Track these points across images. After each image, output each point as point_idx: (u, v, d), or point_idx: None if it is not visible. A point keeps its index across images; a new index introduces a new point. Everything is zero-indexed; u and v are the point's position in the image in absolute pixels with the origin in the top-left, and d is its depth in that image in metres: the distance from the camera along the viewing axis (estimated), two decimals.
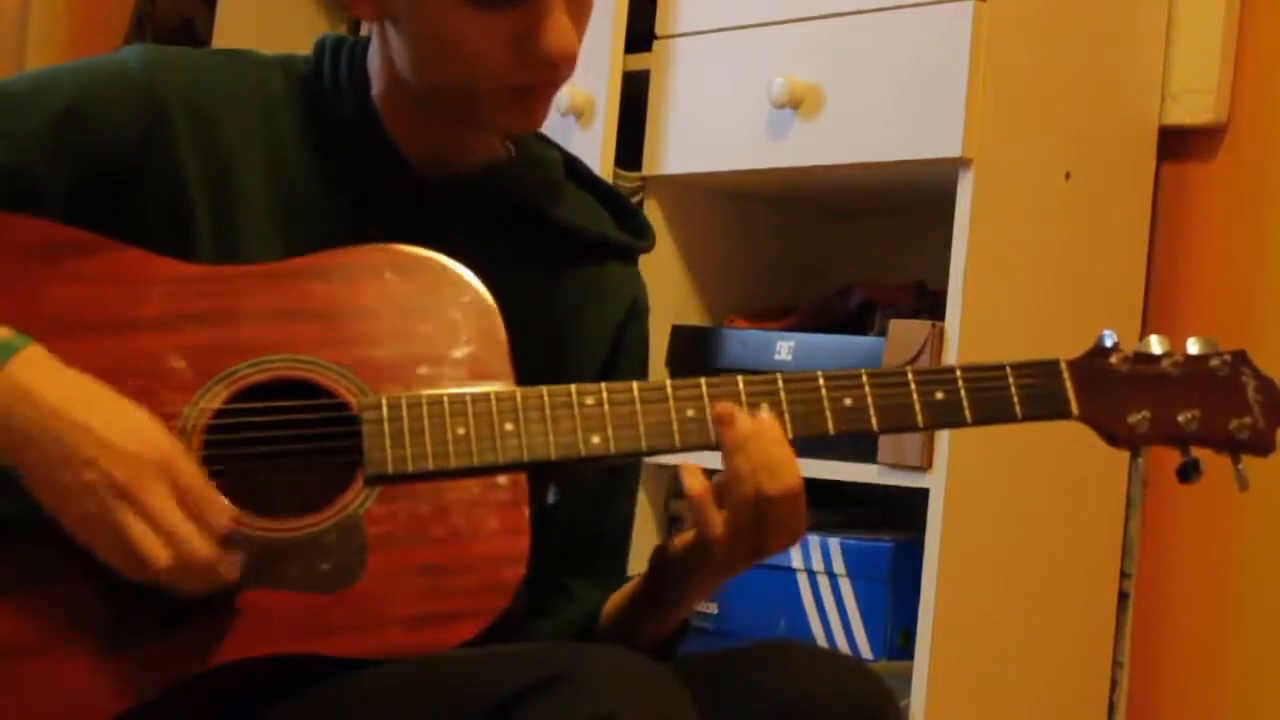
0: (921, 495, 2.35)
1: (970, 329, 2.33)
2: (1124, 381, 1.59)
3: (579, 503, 1.70)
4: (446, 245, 1.59)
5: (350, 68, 1.65)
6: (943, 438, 2.32)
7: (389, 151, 1.64)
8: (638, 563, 1.69)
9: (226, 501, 1.44)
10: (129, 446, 1.41)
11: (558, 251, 1.72)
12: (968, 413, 1.57)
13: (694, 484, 1.51)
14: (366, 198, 1.64)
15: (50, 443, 1.41)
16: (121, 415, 1.43)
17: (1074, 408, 1.58)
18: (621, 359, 1.74)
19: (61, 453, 1.41)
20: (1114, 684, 2.22)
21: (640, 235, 1.78)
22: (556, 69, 1.57)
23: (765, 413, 1.53)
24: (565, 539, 1.69)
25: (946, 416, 1.57)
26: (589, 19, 1.60)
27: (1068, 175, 2.47)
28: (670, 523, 2.69)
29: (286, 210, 1.61)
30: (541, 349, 1.64)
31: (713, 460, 1.52)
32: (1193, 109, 2.58)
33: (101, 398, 1.44)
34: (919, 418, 1.56)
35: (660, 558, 1.60)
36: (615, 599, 1.68)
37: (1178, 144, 2.62)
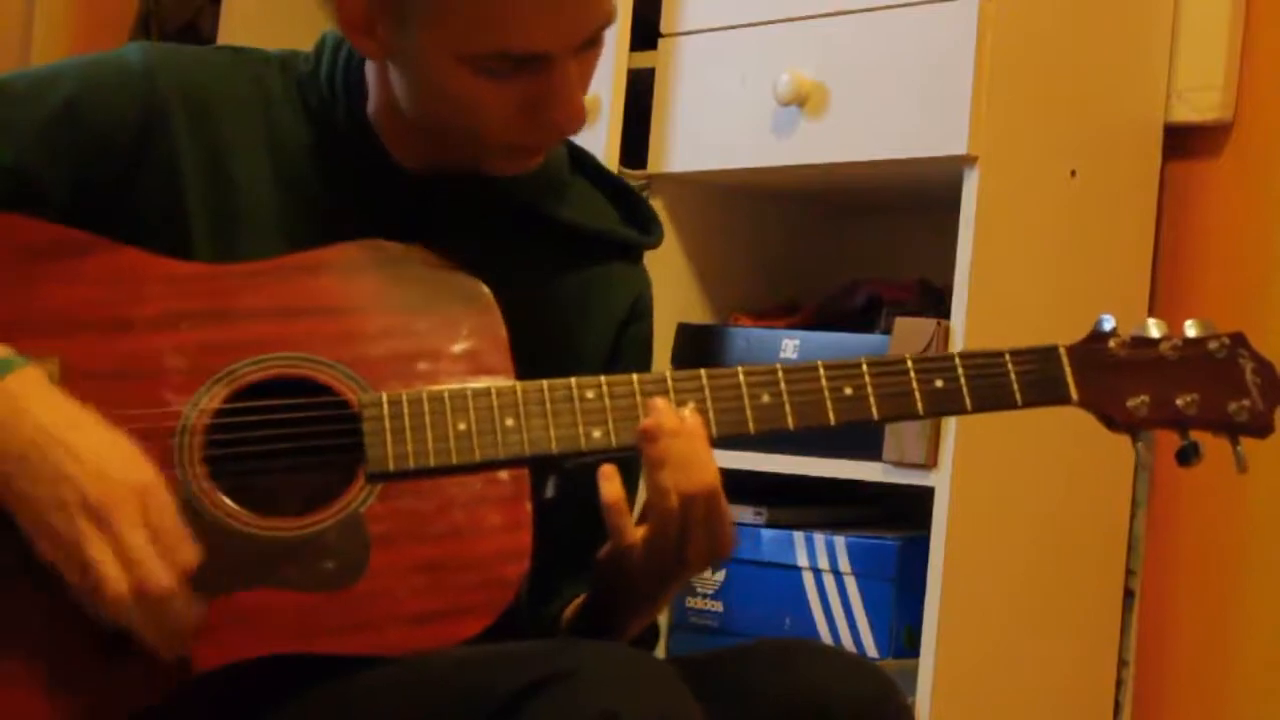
0: (927, 493, 2.34)
1: (976, 326, 2.33)
2: (1122, 365, 1.58)
3: (576, 499, 1.69)
4: (445, 244, 1.58)
5: (347, 73, 1.64)
6: (948, 436, 2.32)
7: (384, 158, 1.63)
8: None
9: (194, 545, 1.43)
10: (108, 469, 1.40)
11: (560, 248, 1.70)
12: (968, 400, 1.56)
13: (610, 490, 1.50)
14: (365, 197, 1.63)
15: (33, 456, 1.40)
16: (106, 441, 1.43)
17: (1073, 393, 1.58)
18: (623, 357, 1.72)
19: (42, 468, 1.40)
20: (1119, 682, 2.22)
21: (647, 231, 1.76)
22: (562, 132, 1.57)
23: (689, 410, 1.52)
24: (563, 535, 1.68)
25: (946, 404, 1.56)
26: (595, 71, 1.59)
27: (1073, 173, 2.47)
28: None
29: (285, 209, 1.61)
30: (543, 347, 1.63)
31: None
32: (1198, 106, 2.58)
33: (90, 423, 1.44)
34: (919, 406, 1.56)
35: (594, 576, 1.60)
36: (570, 610, 1.67)
37: (1183, 141, 2.61)
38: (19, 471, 1.41)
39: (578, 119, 1.55)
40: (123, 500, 1.40)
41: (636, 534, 1.51)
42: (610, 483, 1.50)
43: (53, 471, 1.40)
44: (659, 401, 1.52)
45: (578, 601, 1.66)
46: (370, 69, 1.63)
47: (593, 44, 1.55)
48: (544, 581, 1.68)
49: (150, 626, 1.41)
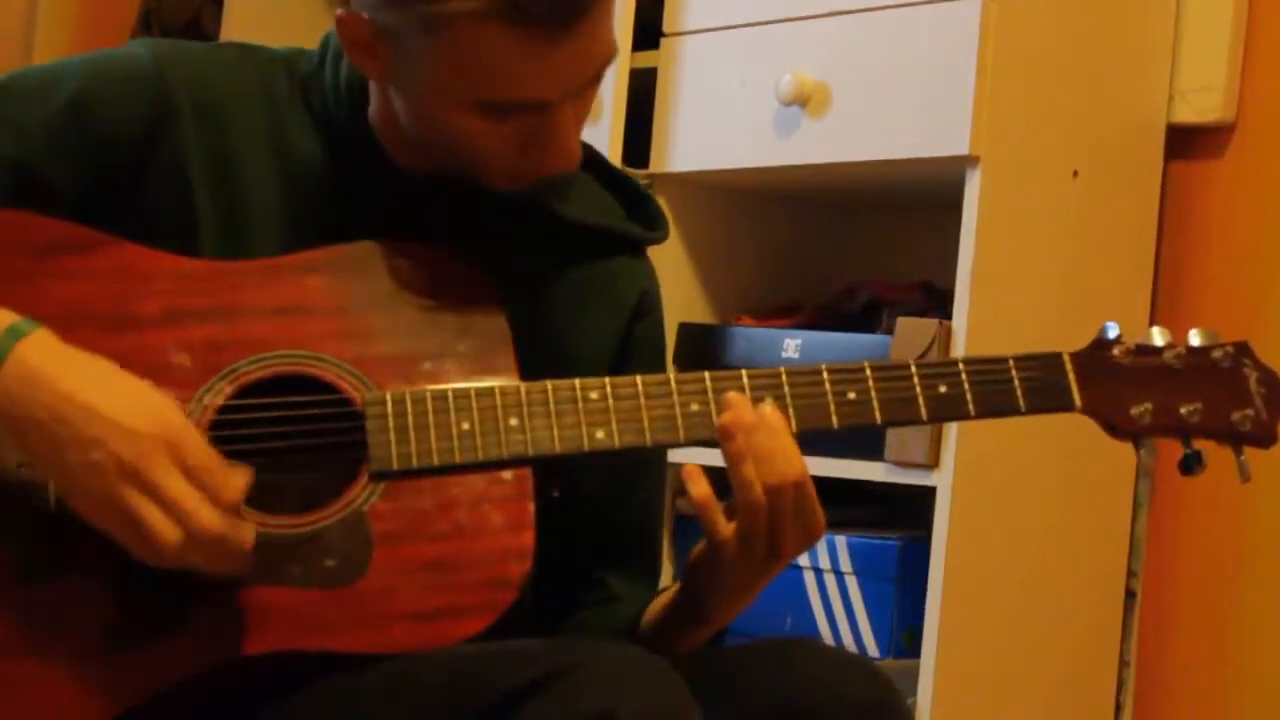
0: (928, 493, 2.35)
1: (978, 327, 2.33)
2: (1126, 373, 1.59)
3: (603, 493, 1.69)
4: (449, 241, 1.58)
5: (351, 77, 1.63)
6: (950, 437, 2.32)
7: (386, 162, 1.63)
8: None
9: (239, 473, 1.43)
10: (135, 425, 1.40)
11: (563, 245, 1.70)
12: (971, 406, 1.57)
13: (698, 489, 1.51)
14: (368, 197, 1.63)
15: (57, 424, 1.40)
16: (128, 394, 1.43)
17: (1077, 400, 1.58)
18: (633, 355, 1.71)
19: (69, 433, 1.40)
20: (1121, 683, 2.21)
21: (652, 226, 1.75)
22: (555, 171, 1.57)
23: (768, 405, 1.53)
24: (592, 530, 1.69)
25: (949, 409, 1.57)
26: (591, 108, 1.59)
27: (1075, 173, 2.47)
28: (676, 521, 2.69)
29: (289, 209, 1.61)
30: (547, 345, 1.63)
31: (717, 456, 1.51)
32: (1200, 107, 2.58)
33: (108, 377, 1.44)
34: (922, 411, 1.56)
35: (686, 569, 1.60)
36: (653, 608, 1.67)
37: (1185, 142, 2.62)
38: (47, 441, 1.41)
39: (572, 162, 1.56)
40: (154, 452, 1.40)
41: (728, 530, 1.51)
42: (696, 482, 1.50)
43: (79, 437, 1.40)
44: (734, 396, 1.52)
45: (664, 598, 1.66)
46: (372, 82, 1.63)
47: (594, 82, 1.56)
48: (585, 579, 1.70)
49: (211, 562, 1.42)
